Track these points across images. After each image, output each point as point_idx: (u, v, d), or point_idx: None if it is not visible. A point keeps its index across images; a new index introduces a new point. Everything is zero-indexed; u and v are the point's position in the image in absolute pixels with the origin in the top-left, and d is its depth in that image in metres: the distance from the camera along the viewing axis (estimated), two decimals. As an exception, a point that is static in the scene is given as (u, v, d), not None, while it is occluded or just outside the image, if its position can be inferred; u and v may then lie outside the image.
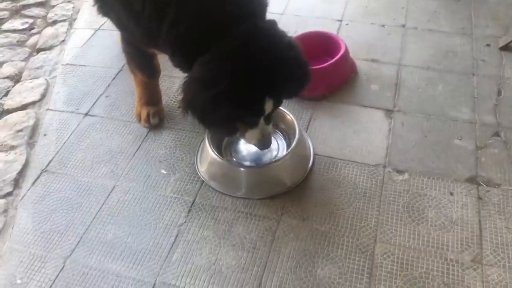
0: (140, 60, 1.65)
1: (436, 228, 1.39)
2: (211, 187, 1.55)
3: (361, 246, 1.36)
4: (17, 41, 2.35)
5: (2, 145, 1.75)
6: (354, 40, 2.08)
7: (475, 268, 1.28)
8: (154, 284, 1.31)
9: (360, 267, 1.31)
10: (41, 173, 1.65)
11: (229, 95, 1.20)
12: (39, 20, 2.49)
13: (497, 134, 1.64)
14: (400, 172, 1.55)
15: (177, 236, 1.42)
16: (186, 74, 1.33)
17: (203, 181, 1.57)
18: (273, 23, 1.33)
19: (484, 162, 1.55)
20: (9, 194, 1.58)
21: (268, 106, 1.31)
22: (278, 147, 1.64)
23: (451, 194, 1.47)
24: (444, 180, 1.51)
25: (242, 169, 1.56)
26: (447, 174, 1.53)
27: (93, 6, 1.46)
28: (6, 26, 2.46)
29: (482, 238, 1.35)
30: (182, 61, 1.33)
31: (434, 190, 1.49)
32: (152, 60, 1.66)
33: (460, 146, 1.62)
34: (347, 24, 2.22)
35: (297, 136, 1.58)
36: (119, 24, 1.51)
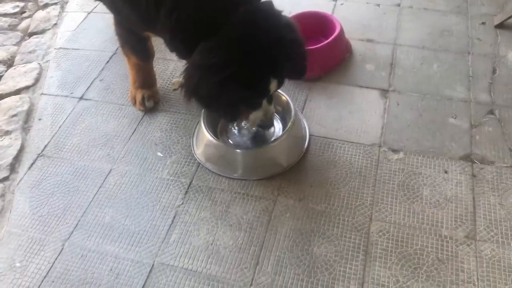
0: (134, 43, 1.63)
1: (431, 205, 1.40)
2: (208, 169, 1.56)
3: (357, 224, 1.37)
4: (9, 25, 2.32)
5: (-3, 130, 1.75)
6: (348, 20, 2.07)
7: (468, 244, 1.30)
8: (153, 265, 1.32)
9: (356, 245, 1.33)
10: (37, 157, 1.65)
11: (236, 79, 1.21)
12: (30, 3, 2.45)
13: (491, 112, 1.65)
14: (395, 151, 1.56)
15: (174, 217, 1.43)
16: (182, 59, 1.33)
17: (200, 163, 1.58)
18: (270, 3, 1.32)
19: (478, 140, 1.57)
20: (5, 178, 1.58)
21: (273, 86, 1.33)
22: (274, 128, 1.64)
23: (446, 172, 1.49)
24: (439, 158, 1.52)
25: (238, 150, 1.57)
26: (441, 153, 1.54)
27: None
28: (-3, 10, 2.43)
29: (475, 215, 1.37)
30: (181, 47, 1.32)
31: (428, 168, 1.50)
32: (146, 43, 1.65)
33: (455, 124, 1.62)
34: (341, 4, 2.20)
35: (292, 117, 1.58)
36: (113, 7, 1.49)
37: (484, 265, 1.26)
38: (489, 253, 1.28)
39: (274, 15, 1.31)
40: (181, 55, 1.39)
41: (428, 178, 1.47)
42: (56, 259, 1.36)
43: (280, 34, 1.27)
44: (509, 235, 1.32)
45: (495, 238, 1.31)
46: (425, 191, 1.44)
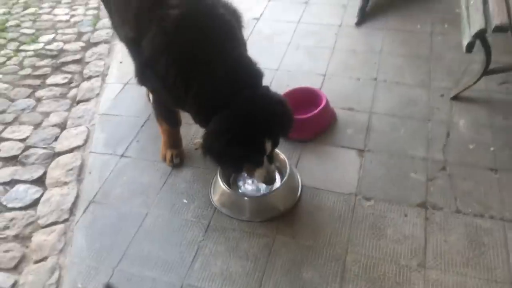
0: (167, 115, 2.14)
1: (393, 241, 1.84)
2: (222, 213, 2.01)
3: (336, 255, 1.81)
4: (60, 94, 2.85)
5: (57, 181, 2.23)
6: (334, 92, 2.57)
7: (419, 270, 1.73)
8: (182, 285, 1.76)
9: (335, 272, 1.75)
10: (89, 203, 2.11)
11: (238, 141, 1.67)
12: (76, 75, 3.00)
13: (444, 168, 2.11)
14: (367, 199, 2.01)
15: (197, 250, 1.87)
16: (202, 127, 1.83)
17: (216, 208, 2.03)
18: (267, 88, 1.82)
19: (432, 191, 2.01)
20: (66, 220, 2.05)
21: (268, 146, 1.77)
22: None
23: (406, 215, 1.93)
24: (401, 205, 1.97)
25: (246, 198, 2.03)
26: (403, 201, 1.99)
27: (135, 78, 1.95)
28: (49, 80, 2.97)
29: (426, 249, 1.80)
30: (202, 119, 1.81)
31: (393, 212, 1.95)
32: (175, 115, 2.15)
33: (415, 178, 2.08)
34: (329, 78, 2.71)
35: (288, 172, 2.05)
36: (154, 91, 2.00)
37: (430, 286, 1.68)
38: (435, 277, 1.70)
39: (269, 95, 1.80)
40: (202, 124, 1.88)
41: (392, 220, 1.91)
42: (108, 281, 1.79)
43: (274, 108, 1.76)
44: (451, 264, 1.74)
45: (440, 266, 1.73)
46: (389, 230, 1.88)
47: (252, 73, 1.78)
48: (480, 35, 1.98)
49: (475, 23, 1.99)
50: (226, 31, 1.77)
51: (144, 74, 1.89)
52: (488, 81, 2.47)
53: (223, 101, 1.70)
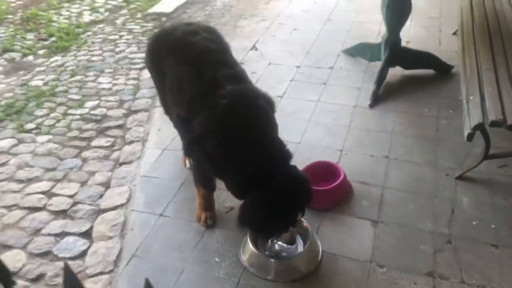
0: (205, 181, 2.44)
1: (404, 306, 2.06)
2: (250, 272, 2.25)
3: (353, 317, 2.02)
4: (103, 155, 3.19)
5: (103, 235, 2.50)
6: (351, 166, 2.89)
7: (428, 334, 1.94)
8: (215, 336, 1.97)
9: (352, 331, 1.96)
10: (131, 257, 2.37)
11: (275, 214, 1.97)
12: (118, 139, 3.36)
13: (449, 242, 2.36)
14: (381, 266, 2.25)
15: (228, 305, 2.10)
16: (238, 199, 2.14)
17: (245, 267, 2.27)
18: (295, 167, 2.14)
19: (439, 262, 2.25)
20: (111, 271, 2.29)
21: (298, 217, 2.08)
22: (297, 245, 2.35)
23: (415, 283, 2.15)
24: (411, 273, 2.20)
25: (272, 260, 2.27)
26: (413, 269, 2.22)
27: (183, 149, 2.28)
28: (94, 143, 3.33)
29: (433, 314, 2.01)
30: (238, 192, 2.12)
31: (403, 280, 2.17)
32: (213, 181, 2.46)
33: (423, 249, 2.33)
34: (346, 153, 3.04)
35: (310, 238, 2.31)
36: (199, 164, 2.33)
37: None
38: None
39: (298, 174, 2.13)
40: (237, 195, 2.18)
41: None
42: (148, 329, 2.00)
43: (302, 185, 2.08)
44: (456, 330, 1.95)
45: (446, 332, 1.94)
46: (401, 296, 2.11)
47: (283, 154, 2.12)
48: (479, 128, 2.31)
49: (474, 117, 2.33)
50: (264, 118, 2.14)
51: (192, 148, 2.23)
52: (489, 164, 2.77)
53: (259, 178, 2.02)
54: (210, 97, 2.11)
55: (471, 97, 2.51)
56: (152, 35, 2.65)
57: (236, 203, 2.40)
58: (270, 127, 2.17)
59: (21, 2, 6.16)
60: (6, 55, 4.77)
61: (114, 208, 2.70)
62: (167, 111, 2.72)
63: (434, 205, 2.59)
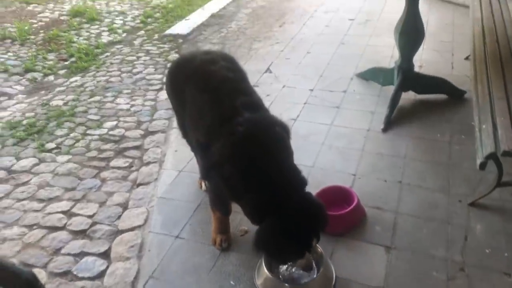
0: (221, 205, 2.50)
1: (417, 334, 2.07)
2: (265, 296, 2.30)
3: None
4: (122, 176, 3.28)
5: (121, 256, 2.57)
6: (364, 191, 2.93)
7: None
8: None
9: None
10: (149, 278, 2.43)
11: (291, 239, 2.02)
12: (136, 160, 3.45)
13: (462, 269, 2.37)
14: (394, 293, 2.28)
15: (243, 329, 2.14)
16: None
17: (259, 291, 2.32)
18: (310, 194, 2.19)
19: (452, 290, 2.28)
20: (129, 292, 2.36)
21: (314, 242, 2.14)
22: (312, 270, 2.39)
23: (428, 311, 2.18)
24: (424, 300, 2.23)
25: (287, 284, 2.31)
26: (426, 297, 2.25)
27: (200, 173, 2.35)
28: (112, 163, 3.42)
29: None
30: (255, 217, 2.17)
31: (417, 307, 2.20)
32: (229, 205, 2.52)
33: (436, 276, 2.34)
34: (359, 178, 3.08)
35: (324, 263, 2.34)
36: (216, 189, 2.39)
37: None
38: None
39: (313, 201, 2.18)
40: (254, 222, 2.22)
41: (416, 315, 2.16)
42: None
43: (317, 212, 2.13)
44: None
45: None
46: (414, 323, 2.12)
47: (299, 181, 2.17)
48: (491, 157, 2.35)
49: (487, 146, 2.37)
50: (280, 145, 2.20)
51: (210, 174, 2.30)
52: (502, 191, 2.79)
53: (275, 204, 2.07)
54: (228, 125, 2.19)
55: (484, 126, 2.55)
56: (172, 62, 2.75)
57: (251, 226, 2.44)
58: (286, 154, 2.23)
59: (43, 23, 6.37)
60: (28, 75, 4.93)
61: (132, 229, 2.77)
62: (185, 135, 2.80)
63: (447, 231, 2.61)
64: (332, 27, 5.75)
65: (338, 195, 2.80)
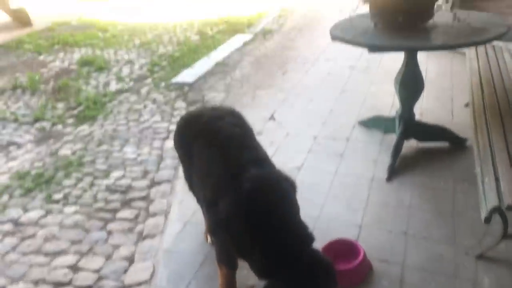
0: (228, 260, 2.51)
1: None
2: None
3: None
4: (128, 228, 3.29)
5: (126, 313, 2.55)
6: (370, 243, 2.92)
7: None
8: None
9: None
10: (154, 337, 2.40)
11: None
12: (142, 211, 3.47)
13: (472, 326, 2.35)
14: None
15: None
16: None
17: None
18: (318, 251, 2.20)
19: None
20: None
21: None
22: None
23: None
24: None
25: None
26: None
27: (208, 229, 2.37)
28: (119, 215, 3.44)
29: None
30: (262, 274, 2.17)
31: None
32: (235, 260, 2.52)
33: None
34: (364, 229, 3.08)
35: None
36: (223, 244, 2.41)
37: None
38: None
39: (321, 258, 2.18)
40: (259, 276, 2.23)
41: None
42: None
43: (327, 271, 2.13)
44: None
45: None
46: None
47: (306, 238, 2.19)
48: (495, 211, 2.37)
49: (490, 200, 2.39)
50: (286, 202, 2.23)
51: (216, 230, 2.32)
52: (508, 243, 2.79)
53: (282, 261, 2.08)
54: (234, 181, 2.23)
55: (486, 179, 2.58)
56: (180, 119, 2.83)
57: (257, 281, 2.44)
58: (293, 210, 2.26)
59: (53, 72, 6.58)
60: (37, 124, 5.05)
61: (138, 284, 2.76)
62: (191, 187, 2.84)
63: (455, 285, 2.59)
64: (333, 75, 5.91)
65: (345, 249, 2.80)
